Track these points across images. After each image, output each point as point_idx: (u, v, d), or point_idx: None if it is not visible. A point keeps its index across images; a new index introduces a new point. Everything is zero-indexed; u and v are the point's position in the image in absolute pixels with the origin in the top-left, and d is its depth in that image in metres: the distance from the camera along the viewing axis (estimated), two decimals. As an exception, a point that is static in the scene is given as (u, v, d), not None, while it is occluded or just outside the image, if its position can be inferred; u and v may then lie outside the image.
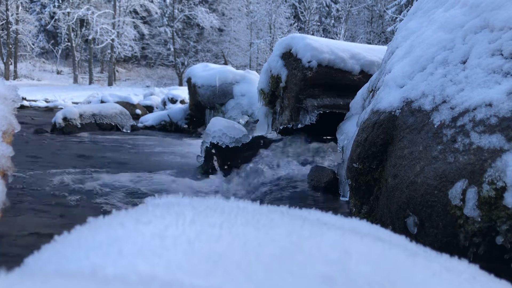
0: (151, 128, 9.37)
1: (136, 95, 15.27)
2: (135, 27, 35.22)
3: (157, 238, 0.53)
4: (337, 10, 36.63)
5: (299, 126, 4.10)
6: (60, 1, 35.07)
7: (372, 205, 1.96)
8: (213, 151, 4.22)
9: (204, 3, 37.36)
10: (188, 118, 9.36)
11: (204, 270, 0.48)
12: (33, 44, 35.70)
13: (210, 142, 4.23)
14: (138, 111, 11.72)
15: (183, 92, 12.07)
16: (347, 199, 2.97)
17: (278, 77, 4.42)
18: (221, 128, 4.21)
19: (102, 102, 12.14)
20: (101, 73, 39.07)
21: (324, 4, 36.99)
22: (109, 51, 34.15)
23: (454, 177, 1.36)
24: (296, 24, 33.67)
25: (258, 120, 4.95)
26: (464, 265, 0.67)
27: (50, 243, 0.56)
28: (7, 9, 31.93)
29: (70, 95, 22.37)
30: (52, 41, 38.80)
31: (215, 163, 4.18)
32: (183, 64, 35.84)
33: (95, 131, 8.01)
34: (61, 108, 11.35)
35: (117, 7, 33.77)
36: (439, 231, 1.39)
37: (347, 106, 3.57)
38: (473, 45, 1.66)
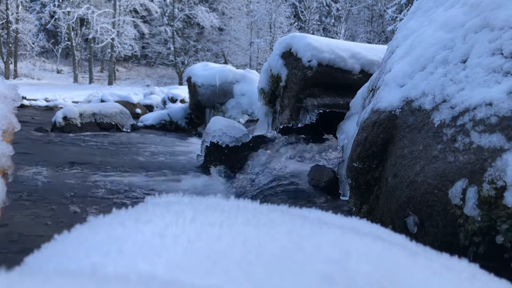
0: (151, 127, 9.37)
1: (136, 94, 15.23)
2: (135, 26, 35.19)
3: (157, 237, 0.53)
4: (337, 10, 36.60)
5: (299, 125, 4.10)
6: (60, 0, 35.03)
7: (372, 205, 1.96)
8: (213, 150, 4.22)
9: (204, 2, 37.34)
10: (188, 117, 9.36)
11: (204, 269, 0.48)
12: (33, 43, 35.68)
13: (210, 141, 4.23)
14: (138, 110, 11.72)
15: (183, 92, 12.05)
16: (347, 198, 2.97)
17: (278, 77, 4.42)
18: (221, 127, 4.21)
19: (102, 101, 12.12)
20: (101, 72, 39.04)
21: (324, 4, 36.95)
22: (109, 50, 34.13)
23: (454, 176, 1.36)
24: (296, 23, 33.65)
25: (258, 119, 4.95)
26: (464, 264, 0.67)
27: (50, 242, 0.56)
28: (7, 8, 31.90)
29: (70, 94, 22.34)
30: (52, 40, 38.76)
31: (215, 162, 4.18)
32: (183, 63, 35.83)
33: (95, 130, 8.01)
34: (61, 107, 11.35)
35: (117, 6, 33.74)
36: (439, 230, 1.39)
37: (347, 106, 3.57)
38: (473, 44, 1.66)
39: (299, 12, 34.10)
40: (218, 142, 4.17)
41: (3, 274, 0.41)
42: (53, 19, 34.08)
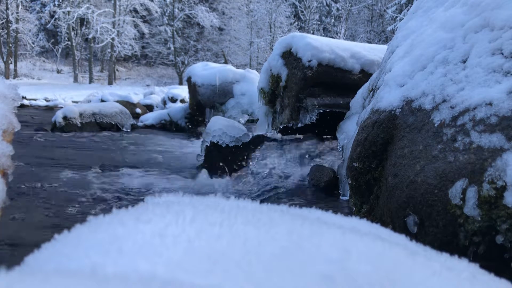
0: (151, 127, 9.36)
1: (136, 94, 15.23)
2: (135, 26, 35.18)
3: (157, 236, 0.53)
4: (337, 9, 36.58)
5: (299, 125, 4.10)
6: (60, 0, 35.03)
7: (372, 204, 1.96)
8: (213, 150, 4.22)
9: (204, 2, 37.33)
10: (188, 117, 9.35)
11: (204, 269, 0.48)
12: (33, 43, 35.67)
13: (210, 141, 4.23)
14: (138, 110, 11.71)
15: (183, 91, 12.04)
16: (347, 198, 2.97)
17: (278, 76, 4.41)
18: (221, 127, 4.21)
19: (102, 101, 12.11)
20: (101, 72, 39.03)
21: (324, 3, 36.93)
22: (109, 50, 34.12)
23: (454, 176, 1.36)
24: (296, 23, 33.64)
25: (258, 119, 4.95)
26: (464, 264, 0.67)
27: (50, 241, 0.56)
28: (7, 8, 31.89)
29: (70, 94, 22.32)
30: (52, 40, 38.74)
31: (215, 162, 4.18)
32: (183, 63, 35.82)
33: (95, 130, 8.01)
34: (61, 107, 11.34)
35: (117, 6, 33.73)
36: (439, 230, 1.39)
37: (347, 105, 3.57)
38: (473, 44, 1.66)
39: (299, 12, 34.10)
40: (218, 142, 4.17)
41: (3, 274, 0.41)
42: (53, 19, 34.06)
